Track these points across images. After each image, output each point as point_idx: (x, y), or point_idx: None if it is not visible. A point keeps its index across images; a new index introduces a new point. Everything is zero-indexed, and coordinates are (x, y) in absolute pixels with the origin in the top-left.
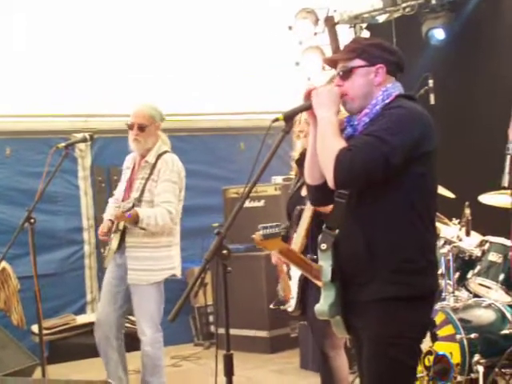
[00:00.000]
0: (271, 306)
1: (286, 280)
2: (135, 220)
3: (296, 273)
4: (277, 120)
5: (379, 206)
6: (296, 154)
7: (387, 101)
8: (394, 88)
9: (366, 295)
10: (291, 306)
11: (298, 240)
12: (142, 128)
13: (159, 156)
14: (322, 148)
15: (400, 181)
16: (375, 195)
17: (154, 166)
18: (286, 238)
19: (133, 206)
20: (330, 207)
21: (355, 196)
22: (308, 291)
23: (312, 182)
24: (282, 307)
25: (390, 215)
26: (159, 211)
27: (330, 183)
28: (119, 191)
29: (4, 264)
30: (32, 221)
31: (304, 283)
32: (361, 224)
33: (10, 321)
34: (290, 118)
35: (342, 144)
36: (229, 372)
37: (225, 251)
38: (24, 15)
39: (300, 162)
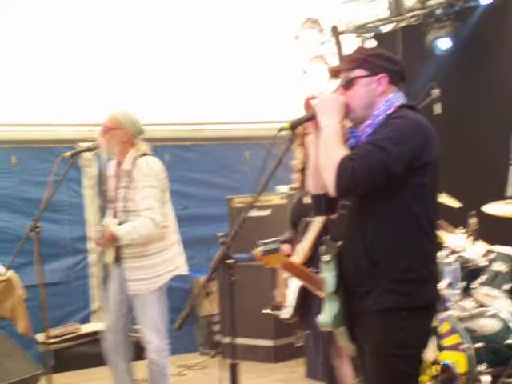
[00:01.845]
0: (264, 311)
1: (283, 287)
2: (114, 241)
3: (295, 282)
4: (283, 130)
5: (380, 216)
6: (297, 163)
7: (389, 111)
8: (397, 98)
9: (367, 306)
10: (287, 312)
11: (302, 251)
12: (105, 129)
13: (134, 162)
14: (324, 156)
15: (401, 191)
16: (376, 206)
17: (131, 173)
18: (290, 244)
19: (102, 235)
20: None
21: (357, 207)
22: (312, 300)
23: (316, 192)
24: (275, 313)
25: (390, 225)
26: (140, 222)
27: (332, 191)
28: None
29: (10, 273)
30: (37, 230)
31: (306, 292)
32: (362, 235)
33: (16, 329)
34: (295, 127)
35: (345, 152)
36: (234, 381)
37: (230, 261)
38: (30, 26)
39: (303, 170)
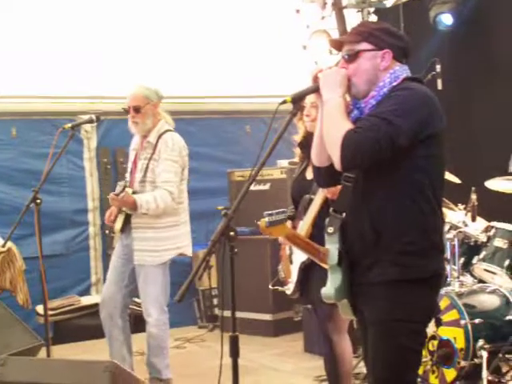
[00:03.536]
0: (270, 286)
1: (287, 263)
2: (132, 206)
3: (298, 258)
4: (285, 102)
5: (385, 188)
6: (299, 138)
7: (395, 83)
8: (402, 71)
9: (371, 278)
10: (289, 288)
11: (304, 228)
12: (137, 110)
13: (160, 136)
14: (329, 130)
15: (406, 163)
16: (381, 178)
17: (155, 146)
18: (293, 220)
19: (123, 189)
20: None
21: (361, 179)
22: (311, 275)
23: (320, 164)
24: (280, 288)
25: (395, 197)
26: (159, 193)
27: (337, 165)
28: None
29: (10, 244)
30: (38, 201)
31: (307, 268)
32: (367, 206)
33: (16, 301)
34: (298, 99)
35: (349, 126)
36: (234, 353)
37: (232, 233)
38: None
39: (303, 144)
